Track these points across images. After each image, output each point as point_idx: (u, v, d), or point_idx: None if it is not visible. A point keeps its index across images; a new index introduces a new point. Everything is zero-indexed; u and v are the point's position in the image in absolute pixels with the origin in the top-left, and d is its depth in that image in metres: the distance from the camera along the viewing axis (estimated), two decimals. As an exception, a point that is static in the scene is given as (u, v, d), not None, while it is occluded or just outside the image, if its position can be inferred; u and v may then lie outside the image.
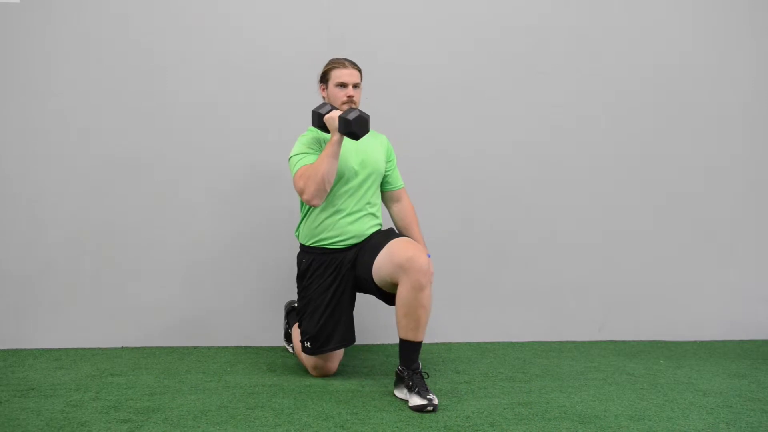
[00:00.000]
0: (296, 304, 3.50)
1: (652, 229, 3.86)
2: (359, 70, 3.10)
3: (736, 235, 3.93)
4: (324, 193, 2.91)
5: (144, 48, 3.51)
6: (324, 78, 3.10)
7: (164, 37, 3.52)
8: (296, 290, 3.50)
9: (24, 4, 3.42)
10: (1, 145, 3.44)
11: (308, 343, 3.03)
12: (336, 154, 2.90)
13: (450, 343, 3.68)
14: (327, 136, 3.04)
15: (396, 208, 3.23)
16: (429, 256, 2.99)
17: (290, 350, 3.43)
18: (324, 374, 3.08)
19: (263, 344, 3.58)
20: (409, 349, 2.81)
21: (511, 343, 3.72)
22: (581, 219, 3.81)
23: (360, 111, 2.90)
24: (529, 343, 3.73)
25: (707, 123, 3.90)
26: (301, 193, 2.94)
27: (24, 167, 3.46)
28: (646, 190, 3.86)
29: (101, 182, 3.50)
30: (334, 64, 3.08)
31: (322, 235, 3.03)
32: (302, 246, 3.13)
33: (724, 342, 3.84)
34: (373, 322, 3.48)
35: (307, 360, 3.08)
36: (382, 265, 2.86)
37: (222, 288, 3.57)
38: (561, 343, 3.74)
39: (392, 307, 2.97)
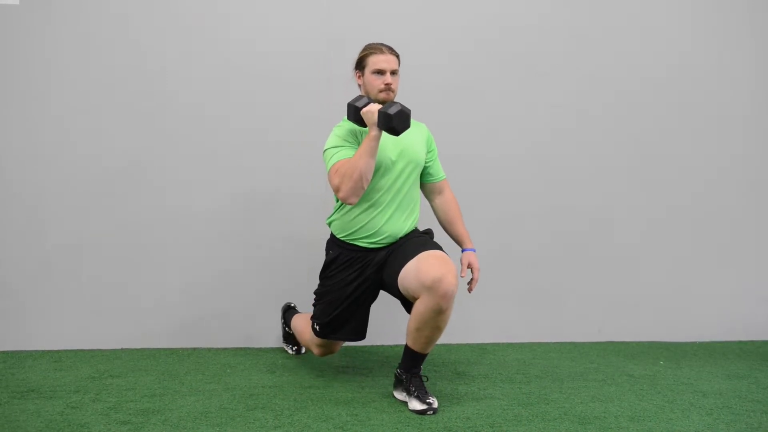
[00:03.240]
0: (293, 305, 3.50)
1: (651, 230, 3.86)
2: (397, 56, 2.93)
3: (736, 236, 3.93)
4: (361, 191, 2.76)
5: (144, 48, 3.50)
6: (360, 64, 2.93)
7: (164, 37, 3.51)
8: (295, 291, 3.54)
9: (24, 4, 3.42)
10: (1, 146, 3.44)
11: (317, 327, 2.98)
12: (374, 151, 2.74)
13: (450, 344, 3.68)
14: (364, 128, 2.89)
15: (438, 201, 3.07)
16: (473, 250, 2.98)
17: (290, 351, 3.43)
18: (328, 353, 3.06)
19: (263, 345, 3.57)
20: (414, 358, 2.78)
21: (511, 344, 3.72)
22: (581, 219, 3.81)
23: (401, 105, 2.73)
24: (528, 344, 3.73)
25: (707, 123, 3.90)
26: (336, 190, 2.78)
27: (24, 168, 3.45)
28: (646, 190, 3.86)
29: (101, 183, 3.49)
30: (371, 49, 2.91)
31: (355, 231, 2.89)
32: (333, 236, 2.99)
33: (723, 343, 3.84)
34: (373, 323, 3.47)
35: (312, 338, 3.04)
36: (407, 277, 2.73)
37: (221, 289, 3.57)
38: (561, 344, 3.74)
39: (395, 310, 2.96)
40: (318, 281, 3.07)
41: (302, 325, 3.14)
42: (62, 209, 3.47)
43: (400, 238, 2.90)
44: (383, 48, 2.91)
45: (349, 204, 2.81)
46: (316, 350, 3.07)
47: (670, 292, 3.87)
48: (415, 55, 3.67)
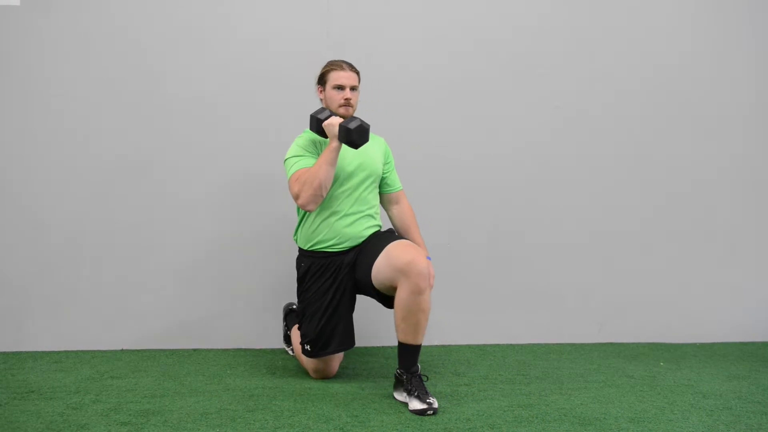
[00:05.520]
0: (294, 307, 3.51)
1: (651, 230, 3.86)
2: (357, 73, 3.07)
3: (736, 236, 3.92)
4: (320, 199, 2.91)
5: (144, 48, 3.51)
6: (321, 80, 3.08)
7: (164, 37, 3.52)
8: (296, 292, 3.53)
9: (24, 4, 3.42)
10: (1, 146, 3.44)
11: (308, 347, 3.02)
12: (334, 161, 2.89)
13: (449, 345, 3.68)
14: (324, 139, 3.03)
15: (395, 210, 3.20)
16: (429, 258, 3.00)
17: (290, 352, 3.43)
18: (324, 376, 3.08)
19: (263, 347, 3.58)
20: (408, 353, 2.80)
21: (511, 345, 3.72)
22: (581, 220, 3.81)
23: (361, 120, 2.89)
24: (529, 345, 3.73)
25: (707, 123, 3.90)
26: (295, 198, 2.93)
27: (23, 169, 3.45)
28: (646, 191, 3.86)
29: (101, 183, 3.49)
30: (332, 66, 3.06)
31: (319, 239, 3.01)
32: (300, 250, 3.12)
33: (724, 344, 3.84)
34: (372, 324, 3.48)
35: (308, 362, 3.08)
36: (381, 268, 2.83)
37: (222, 290, 3.57)
38: (561, 345, 3.74)
39: (391, 310, 2.97)
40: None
41: (299, 347, 3.16)
42: (62, 209, 3.47)
43: (363, 241, 3.01)
44: (344, 65, 3.06)
45: (308, 210, 2.95)
46: (312, 374, 3.10)
47: (670, 292, 3.87)
48: (415, 55, 3.68)
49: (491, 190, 3.75)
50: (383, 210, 3.24)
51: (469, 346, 3.68)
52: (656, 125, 3.86)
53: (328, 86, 3.04)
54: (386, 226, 3.29)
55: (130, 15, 3.49)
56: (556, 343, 3.76)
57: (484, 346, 3.69)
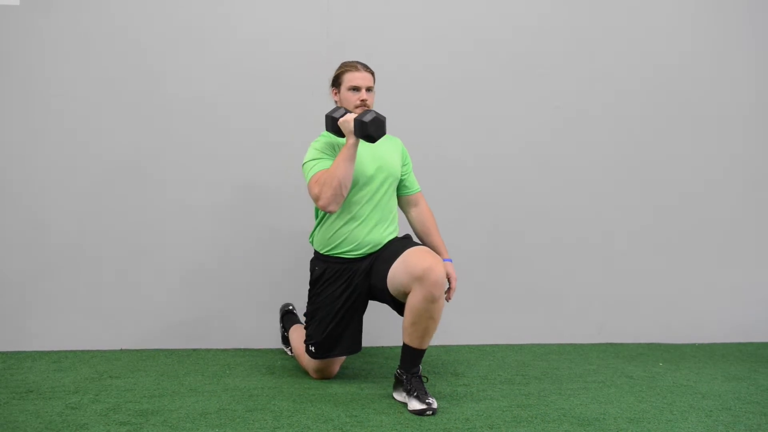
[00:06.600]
0: (291, 308, 3.51)
1: (651, 231, 3.86)
2: (372, 73, 3.01)
3: (735, 237, 3.92)
4: (341, 199, 2.84)
5: (144, 48, 3.50)
6: (336, 82, 3.01)
7: (164, 37, 3.51)
8: (294, 291, 3.53)
9: (24, 4, 3.42)
10: (2, 146, 3.44)
11: (312, 348, 3.01)
12: (352, 158, 2.82)
13: (449, 345, 3.68)
14: (341, 140, 2.97)
15: (414, 212, 3.14)
16: (450, 260, 2.99)
17: (289, 353, 3.43)
18: (324, 377, 3.07)
19: (262, 347, 3.58)
20: (412, 356, 2.79)
21: (510, 345, 3.72)
22: (581, 220, 3.81)
23: (376, 112, 2.82)
24: (528, 345, 3.73)
25: (707, 123, 3.90)
26: (316, 199, 2.85)
27: (23, 169, 3.45)
28: (646, 191, 3.85)
29: (101, 184, 3.49)
30: (347, 67, 3.00)
31: (337, 245, 2.95)
32: (316, 253, 3.06)
33: (723, 344, 3.84)
34: (373, 324, 3.47)
35: (309, 362, 3.07)
36: (397, 274, 2.79)
37: (221, 290, 3.57)
38: (560, 345, 3.74)
39: (394, 311, 2.96)
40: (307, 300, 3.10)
41: (300, 346, 3.16)
42: (62, 209, 3.47)
43: (381, 247, 2.96)
44: (358, 65, 3.00)
45: (330, 212, 2.87)
46: (313, 374, 3.09)
47: (670, 293, 3.86)
48: (415, 55, 3.67)
49: (491, 190, 3.75)
50: (401, 213, 3.18)
51: (469, 346, 3.68)
52: (656, 125, 3.85)
53: (343, 88, 2.97)
54: (403, 230, 3.23)
55: (130, 15, 3.49)
56: (556, 344, 3.75)
57: (484, 346, 3.69)
